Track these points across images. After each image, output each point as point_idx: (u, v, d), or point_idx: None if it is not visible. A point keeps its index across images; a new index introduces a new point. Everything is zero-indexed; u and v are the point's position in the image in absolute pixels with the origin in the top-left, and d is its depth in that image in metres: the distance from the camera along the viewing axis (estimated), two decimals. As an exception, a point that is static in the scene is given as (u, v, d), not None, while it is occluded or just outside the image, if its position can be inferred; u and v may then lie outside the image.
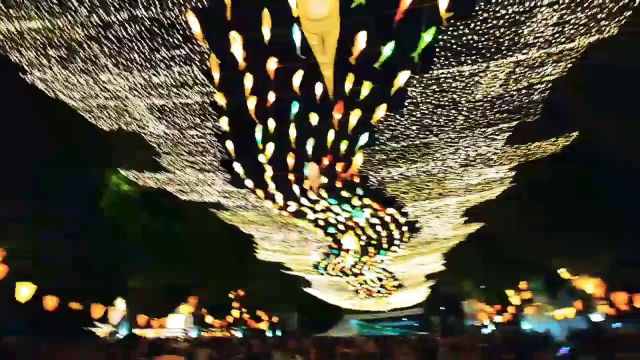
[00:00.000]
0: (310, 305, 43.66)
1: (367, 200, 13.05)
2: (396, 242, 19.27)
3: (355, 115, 8.23)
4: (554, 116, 10.03)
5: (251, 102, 7.99)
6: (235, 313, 25.45)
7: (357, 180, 11.00)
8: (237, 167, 10.20)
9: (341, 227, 16.03)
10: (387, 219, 15.56)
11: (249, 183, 11.26)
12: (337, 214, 14.53)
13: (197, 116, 8.91)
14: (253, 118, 8.41)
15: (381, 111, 8.06)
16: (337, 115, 8.21)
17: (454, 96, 8.37)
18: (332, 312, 48.01)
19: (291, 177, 10.82)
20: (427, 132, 9.34)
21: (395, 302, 41.72)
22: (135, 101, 8.69)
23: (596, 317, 13.64)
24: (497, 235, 19.03)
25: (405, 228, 17.18)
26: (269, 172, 10.46)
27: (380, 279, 30.54)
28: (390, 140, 9.51)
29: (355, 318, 51.49)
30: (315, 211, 14.12)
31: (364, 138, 8.94)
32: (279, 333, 36.53)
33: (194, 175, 11.90)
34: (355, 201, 13.01)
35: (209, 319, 22.42)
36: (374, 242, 18.51)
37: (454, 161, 10.95)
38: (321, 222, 15.87)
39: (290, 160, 9.88)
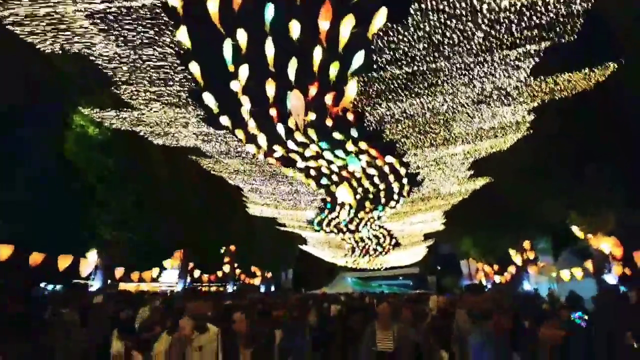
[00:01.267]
0: (306, 262, 43.44)
1: (363, 145, 11.45)
2: (395, 196, 17.93)
3: (347, 24, 6.46)
4: (595, 40, 8.20)
5: (213, 3, 6.21)
6: (226, 268, 24.66)
7: (350, 117, 9.35)
8: (208, 98, 8.51)
9: (335, 178, 14.55)
10: (386, 169, 14.04)
11: (224, 120, 9.61)
12: (329, 162, 12.99)
13: (150, 28, 7.12)
14: (219, 28, 6.65)
15: (380, 17, 6.28)
16: (324, 25, 6.45)
17: (474, 0, 6.54)
18: (328, 270, 48.05)
19: (273, 111, 9.16)
20: (436, 54, 7.57)
21: (392, 260, 41.35)
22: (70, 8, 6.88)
23: (610, 279, 12.54)
24: (504, 191, 17.61)
25: (405, 181, 15.73)
26: (245, 104, 8.78)
27: (377, 237, 29.68)
28: (390, 63, 7.76)
29: (351, 276, 51.73)
30: (304, 158, 12.56)
31: (358, 58, 7.19)
32: (272, 289, 36.26)
33: (162, 112, 10.22)
34: (350, 146, 11.41)
35: (196, 274, 21.59)
36: (370, 195, 17.14)
37: (466, 96, 9.23)
38: (312, 172, 14.39)
39: (270, 89, 8.18)
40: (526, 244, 19.91)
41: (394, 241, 31.40)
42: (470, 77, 8.39)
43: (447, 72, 8.13)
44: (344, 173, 14.14)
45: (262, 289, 33.60)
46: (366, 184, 15.24)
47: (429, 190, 17.96)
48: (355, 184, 15.20)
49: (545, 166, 14.87)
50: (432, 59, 7.68)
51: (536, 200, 15.98)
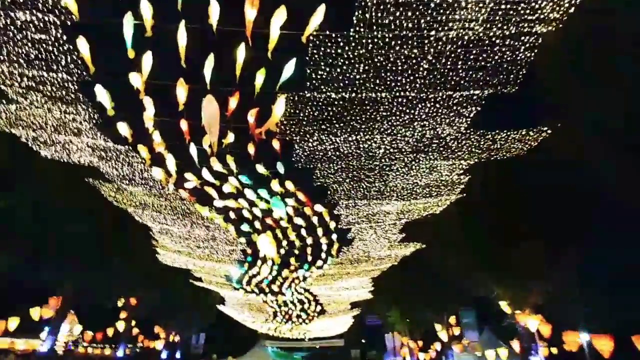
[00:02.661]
0: (223, 325, 38.99)
1: (290, 186, 10.09)
2: (323, 255, 16.42)
3: (278, 19, 5.41)
4: (533, 96, 7.99)
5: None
6: (120, 326, 20.62)
7: (276, 146, 8.06)
8: (100, 92, 6.80)
9: (257, 224, 12.86)
10: (314, 220, 12.69)
11: (123, 128, 7.83)
12: (251, 204, 11.38)
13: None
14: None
15: (318, 17, 5.33)
16: (250, 13, 5.35)
17: (422, 24, 5.89)
18: (246, 336, 43.60)
19: (183, 125, 7.62)
20: (377, 80, 6.74)
21: (315, 330, 38.64)
22: None
23: (537, 361, 11.76)
24: (433, 261, 16.98)
25: (334, 237, 14.42)
26: (148, 109, 7.16)
27: (301, 302, 27.34)
28: (326, 83, 6.76)
29: (272, 344, 47.64)
30: (222, 195, 10.86)
31: (289, 68, 6.10)
32: (178, 356, 31.37)
33: (45, 110, 8.21)
34: (275, 185, 9.99)
35: (76, 330, 17.50)
36: (296, 251, 15.48)
37: (405, 141, 8.46)
38: (232, 215, 12.60)
39: (181, 92, 6.73)
40: (452, 319, 19.08)
41: (319, 308, 29.19)
42: (411, 116, 7.66)
43: (387, 106, 7.30)
44: (268, 220, 12.53)
45: (164, 355, 28.92)
46: (292, 236, 13.67)
47: (358, 251, 16.78)
48: (279, 234, 13.56)
49: (475, 237, 14.55)
50: (372, 85, 6.82)
51: (464, 271, 15.43)
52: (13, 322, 13.39)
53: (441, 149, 8.89)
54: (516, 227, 11.85)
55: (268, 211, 11.88)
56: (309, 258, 16.58)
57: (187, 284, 23.53)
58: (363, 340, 40.67)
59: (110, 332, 20.20)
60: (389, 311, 26.39)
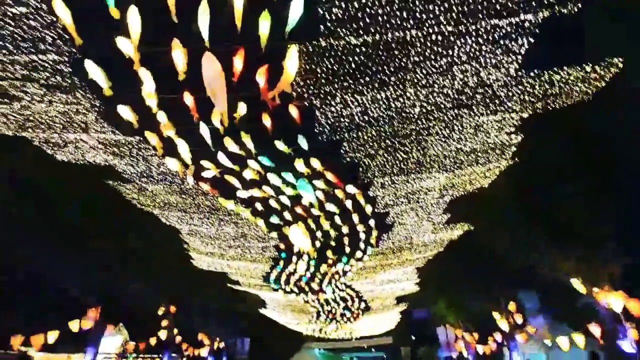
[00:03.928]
0: (266, 329, 38.50)
1: (315, 163, 9.02)
2: (361, 245, 15.24)
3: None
4: (599, 18, 6.55)
5: None
6: (163, 334, 20.41)
7: (294, 114, 7.03)
8: (91, 68, 6.04)
9: (287, 215, 11.91)
10: (348, 205, 11.56)
11: (124, 111, 7.09)
12: (277, 191, 10.43)
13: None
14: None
15: None
16: None
17: None
18: (292, 339, 42.92)
19: (188, 99, 6.77)
20: (404, 14, 5.55)
21: (362, 328, 37.37)
22: None
23: (626, 346, 9.97)
24: (484, 241, 15.34)
25: (372, 223, 13.21)
26: (147, 83, 6.33)
27: (344, 299, 26.20)
28: (343, 24, 5.66)
29: (318, 346, 46.91)
30: (244, 183, 9.99)
31: (296, 8, 5.07)
32: (224, 362, 31.10)
33: (46, 102, 7.63)
34: (299, 164, 8.96)
35: (117, 340, 17.35)
36: (332, 242, 14.39)
37: (444, 92, 7.19)
38: (259, 206, 11.72)
39: (179, 56, 5.85)
40: (511, 306, 17.26)
41: (363, 304, 27.92)
42: (449, 59, 6.40)
43: (419, 48, 6.09)
44: (298, 209, 11.54)
45: (210, 362, 28.67)
46: (325, 225, 12.61)
47: (400, 238, 15.46)
48: (312, 224, 12.54)
49: (532, 210, 12.86)
50: (399, 22, 5.65)
51: (521, 249, 13.73)
52: (52, 336, 13.19)
53: (487, 100, 7.53)
54: (581, 186, 10.15)
55: (296, 198, 10.89)
56: (347, 249, 15.43)
57: (225, 288, 23.02)
58: (412, 337, 38.90)
59: (153, 341, 19.99)
60: (438, 303, 24.66)
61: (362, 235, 14.11)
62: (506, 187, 11.98)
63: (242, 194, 10.73)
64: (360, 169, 9.89)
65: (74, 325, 14.10)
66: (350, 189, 10.40)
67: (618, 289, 10.54)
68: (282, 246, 14.83)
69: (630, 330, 10.00)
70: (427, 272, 20.68)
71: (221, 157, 8.66)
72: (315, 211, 11.60)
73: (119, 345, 17.56)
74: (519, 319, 16.41)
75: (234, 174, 9.64)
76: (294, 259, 15.97)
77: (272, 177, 9.77)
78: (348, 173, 10.09)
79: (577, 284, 11.16)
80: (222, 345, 31.23)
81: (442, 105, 7.47)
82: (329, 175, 9.65)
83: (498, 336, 18.08)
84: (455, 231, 15.62)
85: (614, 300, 10.16)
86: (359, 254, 16.07)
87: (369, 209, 12.04)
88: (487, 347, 19.70)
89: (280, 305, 29.10)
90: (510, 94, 7.45)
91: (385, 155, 9.24)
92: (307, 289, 21.65)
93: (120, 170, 10.53)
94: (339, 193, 10.51)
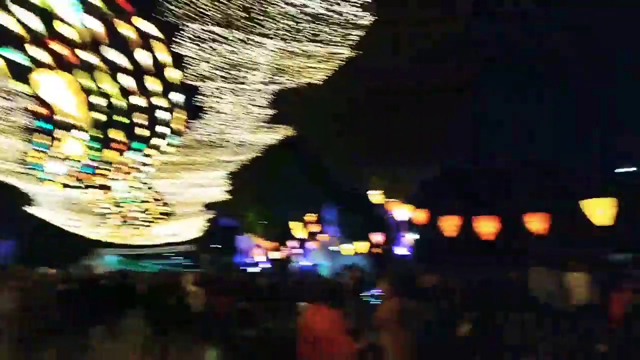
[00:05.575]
0: (40, 233, 31.54)
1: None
2: (162, 129, 12.16)
3: None
4: None
5: None
6: None
7: None
8: None
9: (40, 53, 7.80)
10: (143, 58, 8.27)
11: None
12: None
13: None
14: None
15: None
16: None
17: None
18: (79, 245, 36.93)
19: None
20: None
21: (164, 235, 34.78)
22: None
23: (401, 250, 10.86)
24: (303, 150, 14.56)
25: (177, 97, 10.24)
26: None
27: (142, 201, 22.79)
28: None
29: (111, 253, 42.45)
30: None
31: None
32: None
33: None
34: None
35: None
36: (117, 115, 10.79)
37: None
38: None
39: None
40: (310, 217, 17.67)
41: (166, 208, 25.07)
42: None
43: None
44: (55, 46, 7.63)
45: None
46: (105, 81, 9.00)
47: (212, 130, 13.01)
48: (83, 78, 8.74)
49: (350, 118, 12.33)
50: None
51: (340, 163, 13.44)
52: None
53: None
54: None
55: (48, 24, 6.98)
56: (143, 132, 12.11)
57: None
58: (217, 246, 38.77)
59: None
60: (247, 212, 24.07)
61: (164, 115, 11.08)
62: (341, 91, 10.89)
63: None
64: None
65: None
66: (144, 25, 7.19)
67: (410, 203, 11.19)
68: (40, 110, 10.27)
69: (408, 235, 10.84)
70: (241, 178, 19.30)
71: None
72: (86, 56, 7.91)
73: None
74: (315, 228, 16.94)
75: None
76: (61, 133, 11.55)
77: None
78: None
79: (374, 196, 11.39)
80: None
81: None
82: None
83: (293, 244, 18.58)
84: (277, 134, 14.20)
85: (400, 210, 10.71)
86: (159, 141, 12.98)
87: (174, 73, 9.05)
88: (282, 252, 20.29)
89: (58, 204, 23.50)
90: None
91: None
92: (89, 181, 17.23)
93: None
94: (125, 28, 7.16)
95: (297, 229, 18.10)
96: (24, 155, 14.63)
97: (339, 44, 8.68)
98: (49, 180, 16.93)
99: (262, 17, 7.38)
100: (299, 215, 17.60)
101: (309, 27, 7.88)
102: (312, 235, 17.48)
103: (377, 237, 12.33)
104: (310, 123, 12.45)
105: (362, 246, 13.52)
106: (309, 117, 12.12)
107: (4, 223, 27.58)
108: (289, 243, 18.32)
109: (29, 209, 24.89)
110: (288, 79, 10.30)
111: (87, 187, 18.03)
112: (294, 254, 18.43)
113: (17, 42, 7.76)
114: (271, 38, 8.16)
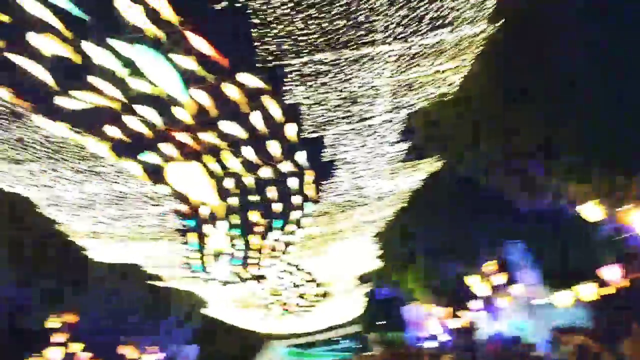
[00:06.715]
0: (216, 333, 33.73)
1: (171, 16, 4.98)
2: (295, 198, 11.25)
3: None
4: None
5: None
6: (56, 352, 15.47)
7: None
8: None
9: (164, 147, 7.69)
10: (256, 119, 7.52)
11: None
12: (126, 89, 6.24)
13: None
14: None
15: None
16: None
17: None
18: (249, 340, 38.42)
19: None
20: None
21: (324, 318, 33.71)
22: None
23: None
24: (455, 182, 11.95)
25: (300, 157, 9.22)
26: None
27: (295, 284, 22.27)
28: None
29: (281, 344, 43.11)
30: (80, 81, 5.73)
31: None
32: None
33: None
34: (139, 17, 4.89)
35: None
36: (252, 197, 10.22)
37: None
38: (116, 134, 7.42)
39: None
40: (489, 266, 14.06)
41: (320, 289, 24.09)
42: None
43: None
44: (177, 134, 7.37)
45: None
46: (230, 160, 8.49)
47: (344, 186, 11.58)
48: (208, 159, 8.37)
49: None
50: None
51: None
52: None
53: None
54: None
55: (165, 108, 6.72)
56: (275, 207, 11.35)
57: (144, 286, 18.32)
58: (378, 323, 35.69)
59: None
60: (403, 276, 21.26)
61: (293, 182, 10.14)
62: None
63: (76, 104, 6.45)
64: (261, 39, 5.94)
65: None
66: (246, 79, 6.37)
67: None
68: (182, 208, 10.41)
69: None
70: (388, 239, 17.20)
71: None
72: (204, 134, 7.46)
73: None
74: (501, 279, 13.17)
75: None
76: (206, 228, 11.55)
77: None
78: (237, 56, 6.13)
79: (591, 208, 7.69)
80: (160, 356, 26.35)
81: None
82: (199, 44, 5.58)
83: (475, 305, 14.85)
84: (419, 172, 11.94)
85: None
86: (295, 214, 12.09)
87: (290, 129, 8.09)
88: (460, 320, 16.47)
89: (224, 301, 24.72)
90: None
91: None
92: (245, 274, 17.41)
93: None
94: (228, 88, 6.46)
95: (476, 285, 14.50)
96: (187, 259, 15.48)
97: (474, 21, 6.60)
98: (207, 277, 17.57)
99: (367, 14, 5.89)
100: (471, 267, 14.17)
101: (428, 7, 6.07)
102: (497, 289, 13.70)
103: (612, 271, 8.32)
104: (458, 141, 10.00)
105: (586, 290, 9.39)
106: (455, 135, 9.76)
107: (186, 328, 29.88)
108: (470, 304, 14.73)
109: (206, 311, 26.74)
110: (416, 96, 8.42)
111: (243, 280, 18.25)
112: (478, 317, 14.68)
113: (148, 142, 7.78)
114: (385, 43, 6.56)
